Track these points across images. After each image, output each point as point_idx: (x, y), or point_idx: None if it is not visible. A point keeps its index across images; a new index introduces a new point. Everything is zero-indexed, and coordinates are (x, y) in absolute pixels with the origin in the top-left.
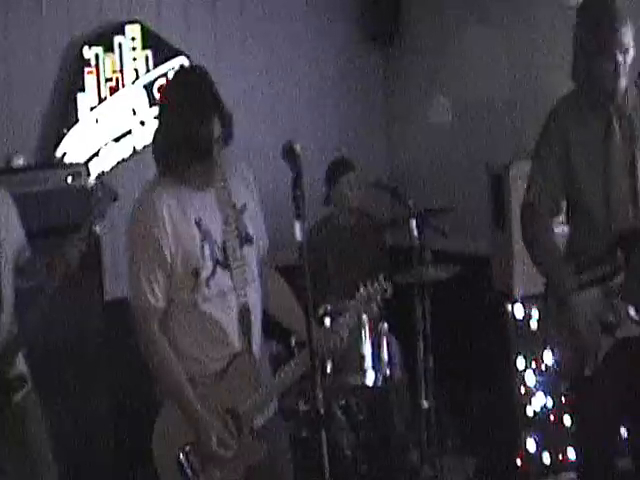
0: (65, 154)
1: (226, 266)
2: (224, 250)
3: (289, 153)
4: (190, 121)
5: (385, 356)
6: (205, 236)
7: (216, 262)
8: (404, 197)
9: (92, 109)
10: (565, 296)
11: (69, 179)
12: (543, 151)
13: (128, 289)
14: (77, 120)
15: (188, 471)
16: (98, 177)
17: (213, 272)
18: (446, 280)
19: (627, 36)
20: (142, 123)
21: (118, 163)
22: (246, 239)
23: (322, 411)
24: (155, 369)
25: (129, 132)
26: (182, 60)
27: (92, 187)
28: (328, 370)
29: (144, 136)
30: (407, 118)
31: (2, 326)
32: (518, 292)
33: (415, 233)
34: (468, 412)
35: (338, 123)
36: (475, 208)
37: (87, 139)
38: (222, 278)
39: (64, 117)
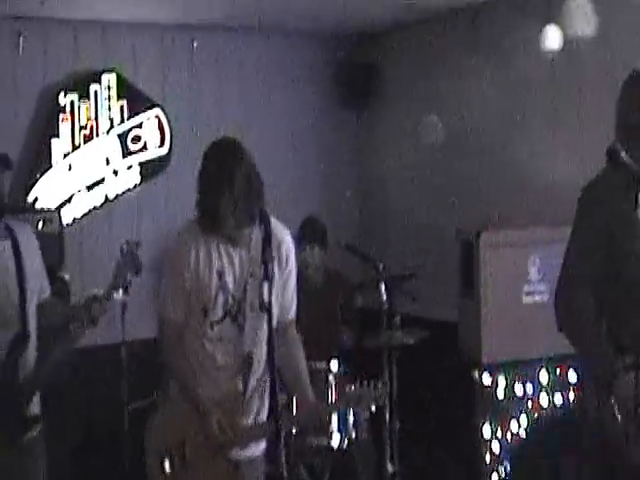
0: (37, 199)
1: (235, 319)
2: (238, 306)
3: (260, 215)
4: (201, 191)
5: (351, 418)
6: (222, 287)
7: (226, 313)
8: (374, 260)
9: (66, 156)
10: (611, 379)
11: (40, 224)
12: (581, 235)
13: (157, 304)
14: (50, 166)
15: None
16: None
17: (221, 320)
18: (414, 345)
19: None
20: (115, 172)
21: (90, 211)
22: (261, 306)
23: (285, 473)
24: (170, 367)
25: (102, 181)
26: (157, 112)
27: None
28: (294, 431)
29: (117, 185)
30: (379, 182)
31: (27, 363)
32: (485, 359)
33: (384, 297)
34: (433, 477)
35: (312, 185)
36: (445, 274)
37: (60, 185)
38: (228, 328)
39: (37, 162)
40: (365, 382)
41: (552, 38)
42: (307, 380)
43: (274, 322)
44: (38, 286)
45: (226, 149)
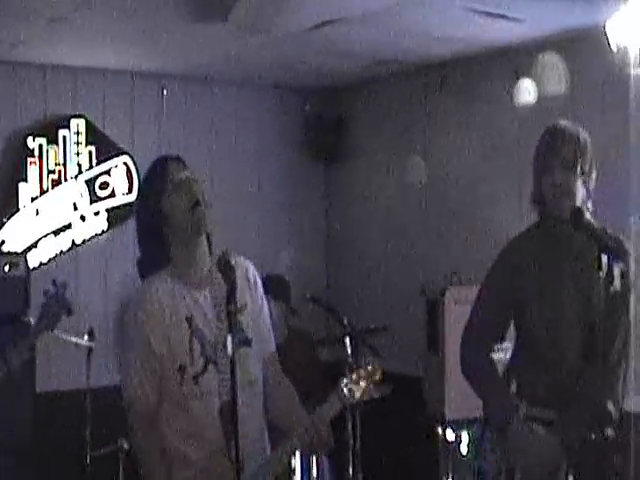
0: (3, 242)
1: (217, 364)
2: (215, 349)
3: (224, 265)
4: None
5: (314, 472)
6: (195, 333)
7: (207, 359)
8: (339, 314)
9: (33, 200)
10: (505, 424)
11: (6, 268)
12: (489, 287)
13: (120, 379)
14: (17, 209)
15: None
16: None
17: (203, 370)
18: (378, 399)
19: (572, 153)
20: (82, 218)
21: (56, 255)
22: (243, 341)
23: None
24: (138, 459)
25: (69, 226)
26: (125, 159)
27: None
28: None
29: (84, 231)
30: (347, 236)
31: None
32: (449, 415)
33: (349, 351)
34: None
35: (278, 238)
36: (410, 329)
37: (26, 229)
38: (213, 376)
39: (4, 205)
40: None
41: (524, 93)
42: (301, 407)
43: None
44: None
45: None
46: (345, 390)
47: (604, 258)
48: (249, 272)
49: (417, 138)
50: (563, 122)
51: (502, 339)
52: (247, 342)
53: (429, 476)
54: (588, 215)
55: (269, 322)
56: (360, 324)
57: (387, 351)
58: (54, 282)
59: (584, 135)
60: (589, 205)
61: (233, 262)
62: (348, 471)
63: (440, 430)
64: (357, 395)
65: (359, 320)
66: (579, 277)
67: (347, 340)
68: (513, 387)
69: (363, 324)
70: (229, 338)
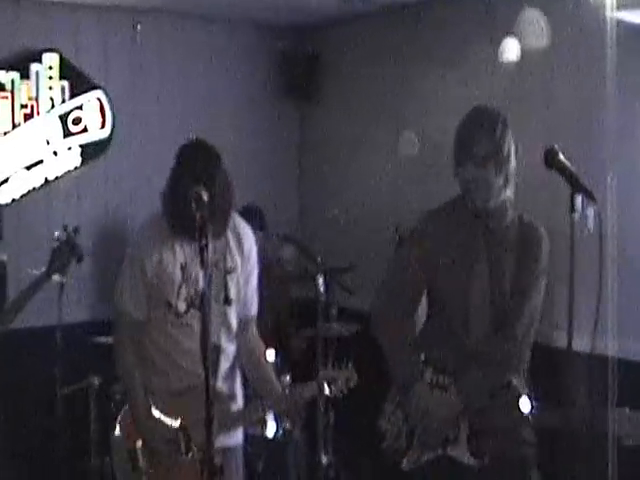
0: None
1: (199, 310)
2: (202, 298)
3: (197, 201)
4: (173, 195)
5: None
6: (186, 280)
7: (190, 304)
8: (312, 252)
9: (5, 134)
10: (409, 386)
11: None
12: (404, 255)
13: (115, 297)
14: None
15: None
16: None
17: (186, 312)
18: (350, 337)
19: (481, 145)
20: (55, 153)
21: (28, 192)
22: (225, 299)
23: (219, 459)
24: (118, 371)
25: (41, 161)
26: (99, 94)
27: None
28: None
29: (56, 167)
30: (320, 174)
31: None
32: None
33: (322, 289)
34: (366, 469)
35: (252, 175)
36: (382, 268)
37: None
38: (196, 317)
39: None
40: (335, 364)
41: (510, 50)
42: (272, 373)
43: (236, 315)
44: None
45: (205, 154)
46: (324, 384)
47: (578, 199)
48: (246, 238)
49: (392, 79)
50: (481, 108)
51: (414, 308)
52: (228, 301)
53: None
54: (561, 156)
55: (255, 287)
56: (332, 262)
57: (359, 289)
58: (65, 227)
59: (502, 122)
60: (508, 192)
61: (235, 226)
62: (319, 407)
63: None
64: (332, 391)
65: (331, 259)
66: (493, 251)
67: (320, 278)
68: (422, 355)
69: (335, 263)
70: (207, 291)
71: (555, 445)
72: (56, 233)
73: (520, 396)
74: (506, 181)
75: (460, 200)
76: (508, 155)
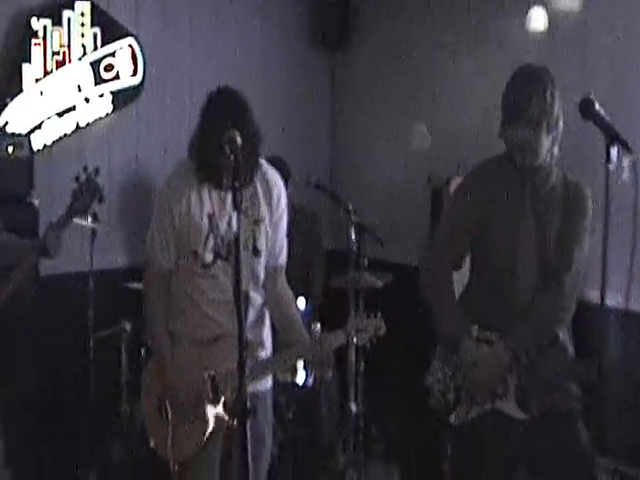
0: (7, 124)
1: (227, 260)
2: (228, 248)
3: (230, 144)
4: (201, 141)
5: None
6: (213, 230)
7: (217, 255)
8: (344, 201)
9: (37, 81)
10: (457, 343)
11: (10, 149)
12: (457, 208)
13: (145, 245)
14: (21, 91)
15: (162, 413)
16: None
17: (213, 262)
18: (381, 288)
19: (536, 106)
20: (87, 100)
21: (60, 138)
22: (254, 251)
23: (249, 404)
24: (145, 318)
25: (73, 108)
26: (130, 41)
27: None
28: None
29: (88, 113)
30: (352, 124)
31: None
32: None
33: (353, 239)
34: (396, 419)
35: (284, 123)
36: (413, 219)
37: (30, 111)
38: (222, 268)
39: (8, 87)
40: (363, 313)
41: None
42: (301, 322)
43: (264, 265)
44: None
45: (231, 101)
46: (352, 332)
47: (614, 150)
48: (274, 186)
49: (427, 26)
50: (531, 67)
51: (460, 264)
52: (256, 252)
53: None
54: (597, 106)
55: (284, 237)
56: (364, 213)
57: (390, 240)
58: (85, 168)
59: (552, 80)
60: (555, 150)
61: (263, 174)
62: (350, 356)
63: None
64: (360, 340)
65: (363, 209)
66: (539, 208)
67: (351, 228)
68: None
69: (367, 213)
70: (234, 242)
71: (592, 398)
72: (78, 174)
73: (567, 350)
74: (554, 140)
75: (506, 157)
76: (558, 114)
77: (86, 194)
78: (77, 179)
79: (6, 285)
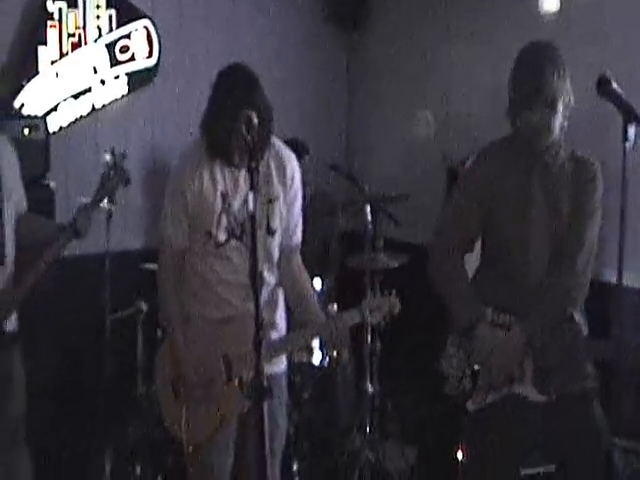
0: (23, 106)
1: (240, 240)
2: (242, 227)
3: (247, 123)
4: (212, 117)
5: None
6: (226, 209)
7: (231, 234)
8: (360, 181)
9: (53, 63)
10: (471, 328)
11: (26, 131)
12: (464, 188)
13: (160, 226)
14: (37, 72)
15: (177, 394)
16: (114, 155)
17: (226, 241)
18: (396, 268)
19: (549, 88)
20: (102, 82)
21: (76, 120)
22: (268, 230)
23: (265, 383)
24: (159, 298)
25: (89, 90)
26: (146, 22)
27: (108, 165)
28: None
29: (104, 95)
30: (368, 104)
31: (2, 283)
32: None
33: (369, 218)
34: (412, 400)
35: (299, 104)
36: (428, 199)
37: (46, 93)
38: (235, 249)
39: (24, 69)
40: (378, 292)
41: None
42: (315, 302)
43: (279, 245)
44: (16, 201)
45: (243, 78)
46: (367, 311)
47: (631, 128)
48: (288, 165)
49: (442, 10)
50: (543, 44)
51: (470, 248)
52: (271, 231)
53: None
54: (614, 84)
55: (299, 216)
56: (380, 192)
57: (406, 220)
58: (112, 152)
59: (561, 57)
60: (564, 125)
61: (277, 152)
62: (365, 337)
63: None
64: (375, 319)
65: (379, 189)
66: (549, 187)
67: (367, 208)
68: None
69: (383, 192)
70: (250, 222)
71: (608, 378)
72: (105, 157)
73: (581, 330)
74: (565, 117)
75: (514, 138)
76: (569, 90)
77: (114, 178)
78: (106, 163)
79: (39, 265)
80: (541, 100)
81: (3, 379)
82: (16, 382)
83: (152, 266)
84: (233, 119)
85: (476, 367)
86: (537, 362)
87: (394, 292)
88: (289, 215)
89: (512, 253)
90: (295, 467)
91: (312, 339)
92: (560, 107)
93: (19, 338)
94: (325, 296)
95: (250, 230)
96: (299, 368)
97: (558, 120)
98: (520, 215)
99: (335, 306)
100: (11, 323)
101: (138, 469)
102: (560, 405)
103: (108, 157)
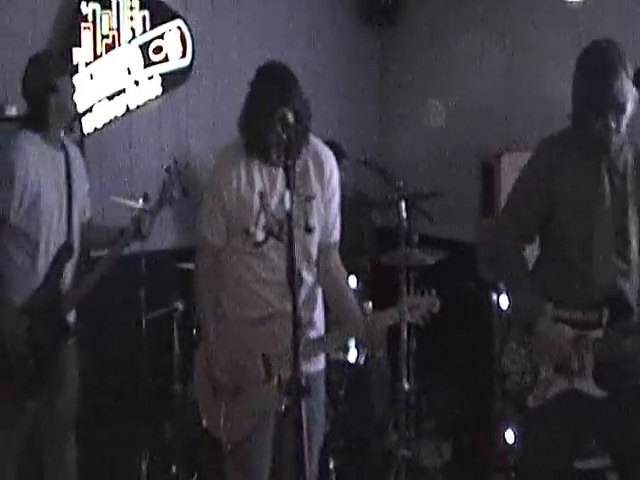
0: None
1: (279, 239)
2: (280, 226)
3: (282, 122)
4: (250, 116)
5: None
6: (264, 208)
7: (269, 233)
8: (394, 178)
9: (87, 64)
10: (533, 319)
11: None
12: (527, 179)
13: (197, 225)
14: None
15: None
16: (177, 163)
17: (264, 240)
18: (432, 265)
19: (621, 93)
20: (136, 83)
21: (110, 121)
22: (307, 228)
23: (303, 382)
24: (195, 297)
25: (123, 91)
26: (179, 23)
27: (169, 171)
28: None
29: (138, 96)
30: (401, 100)
31: (67, 274)
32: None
33: (404, 215)
34: (447, 397)
35: (332, 101)
36: (463, 195)
37: (81, 94)
38: (273, 247)
39: None
40: (417, 290)
41: None
42: (354, 299)
43: (317, 243)
44: (82, 206)
45: (280, 75)
46: (406, 310)
47: None
48: (326, 163)
49: (478, 7)
50: (607, 46)
51: (532, 238)
52: (309, 229)
53: (482, 342)
54: None
55: (337, 213)
56: (414, 189)
57: (441, 216)
58: (175, 160)
59: (625, 56)
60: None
61: (315, 150)
62: (401, 334)
63: (494, 297)
64: (414, 317)
65: (413, 185)
66: (614, 180)
67: (402, 204)
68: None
69: (417, 189)
70: (287, 221)
71: None
72: (167, 165)
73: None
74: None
75: (581, 135)
76: (632, 88)
77: (174, 186)
78: (167, 170)
79: (104, 263)
80: (614, 107)
81: (59, 374)
82: (70, 380)
83: (188, 265)
84: (269, 117)
85: (537, 362)
86: (598, 357)
87: (433, 291)
88: (327, 213)
89: (575, 248)
90: (331, 464)
91: (351, 338)
92: (629, 107)
93: (77, 332)
94: (360, 293)
95: (287, 230)
96: (334, 366)
97: (625, 119)
98: (586, 210)
99: (370, 303)
100: (71, 315)
101: (174, 468)
102: (621, 400)
103: (171, 165)
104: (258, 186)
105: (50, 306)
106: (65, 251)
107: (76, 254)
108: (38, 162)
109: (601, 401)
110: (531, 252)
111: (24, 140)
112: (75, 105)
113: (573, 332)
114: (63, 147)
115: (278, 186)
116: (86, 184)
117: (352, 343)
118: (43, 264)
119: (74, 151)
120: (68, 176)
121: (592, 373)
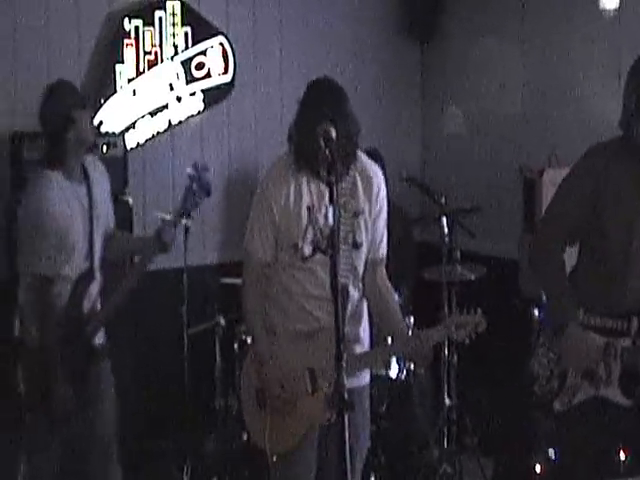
0: (101, 123)
1: (326, 254)
2: (327, 241)
3: (325, 138)
4: (300, 130)
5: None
6: (312, 222)
7: (316, 247)
8: (436, 194)
9: (130, 81)
10: (563, 323)
11: (104, 148)
12: (572, 184)
13: (245, 240)
14: (115, 91)
15: (262, 405)
16: (197, 169)
17: (312, 255)
18: (473, 280)
19: None
20: (178, 99)
21: (153, 136)
22: (354, 244)
23: (346, 396)
24: (243, 311)
25: (165, 107)
26: (221, 39)
27: (190, 178)
28: None
29: (180, 111)
30: (443, 115)
31: (91, 297)
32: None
33: (445, 231)
34: (489, 413)
35: (373, 116)
36: (504, 211)
37: (124, 110)
38: (320, 262)
39: (102, 87)
40: (463, 308)
41: None
42: (400, 315)
43: (364, 259)
44: (105, 224)
45: (327, 91)
46: (452, 328)
47: None
48: (374, 178)
49: (517, 21)
50: None
51: (572, 242)
52: (356, 245)
53: (524, 358)
54: None
55: (384, 230)
56: (455, 204)
57: (483, 232)
58: (195, 165)
59: None
60: None
61: (363, 166)
62: (443, 350)
63: (536, 312)
64: (460, 336)
65: (454, 201)
66: None
67: (444, 220)
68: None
69: (459, 204)
70: (331, 236)
71: None
72: (188, 170)
73: None
74: None
75: (628, 143)
76: None
77: (197, 190)
78: (189, 177)
79: (127, 281)
80: None
81: (94, 396)
82: (107, 401)
83: (230, 280)
84: (311, 132)
85: (564, 367)
86: (625, 366)
87: (479, 310)
88: (374, 229)
89: (613, 256)
90: None
91: (396, 355)
92: None
93: (108, 352)
94: (402, 308)
95: (332, 245)
96: (376, 381)
97: None
98: (628, 219)
99: (412, 318)
100: (100, 337)
101: None
102: None
103: (190, 170)
104: (306, 201)
105: (74, 331)
106: (85, 277)
107: (98, 276)
108: (63, 204)
109: (627, 409)
110: (569, 256)
111: (48, 187)
112: (95, 133)
113: (602, 340)
114: (84, 175)
115: (326, 201)
116: (108, 199)
117: (394, 359)
118: (66, 289)
119: (94, 169)
120: (90, 206)
121: (619, 381)
